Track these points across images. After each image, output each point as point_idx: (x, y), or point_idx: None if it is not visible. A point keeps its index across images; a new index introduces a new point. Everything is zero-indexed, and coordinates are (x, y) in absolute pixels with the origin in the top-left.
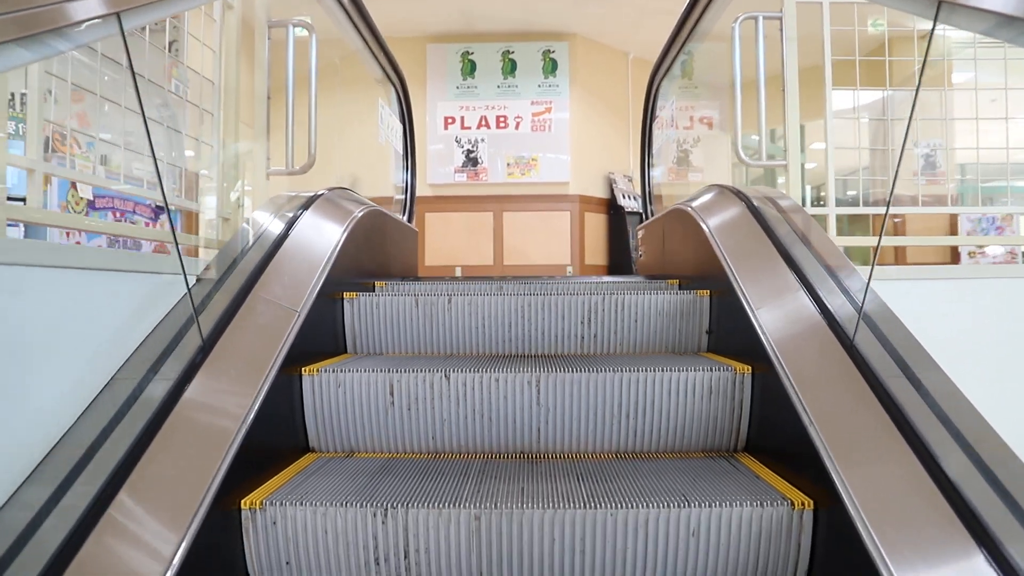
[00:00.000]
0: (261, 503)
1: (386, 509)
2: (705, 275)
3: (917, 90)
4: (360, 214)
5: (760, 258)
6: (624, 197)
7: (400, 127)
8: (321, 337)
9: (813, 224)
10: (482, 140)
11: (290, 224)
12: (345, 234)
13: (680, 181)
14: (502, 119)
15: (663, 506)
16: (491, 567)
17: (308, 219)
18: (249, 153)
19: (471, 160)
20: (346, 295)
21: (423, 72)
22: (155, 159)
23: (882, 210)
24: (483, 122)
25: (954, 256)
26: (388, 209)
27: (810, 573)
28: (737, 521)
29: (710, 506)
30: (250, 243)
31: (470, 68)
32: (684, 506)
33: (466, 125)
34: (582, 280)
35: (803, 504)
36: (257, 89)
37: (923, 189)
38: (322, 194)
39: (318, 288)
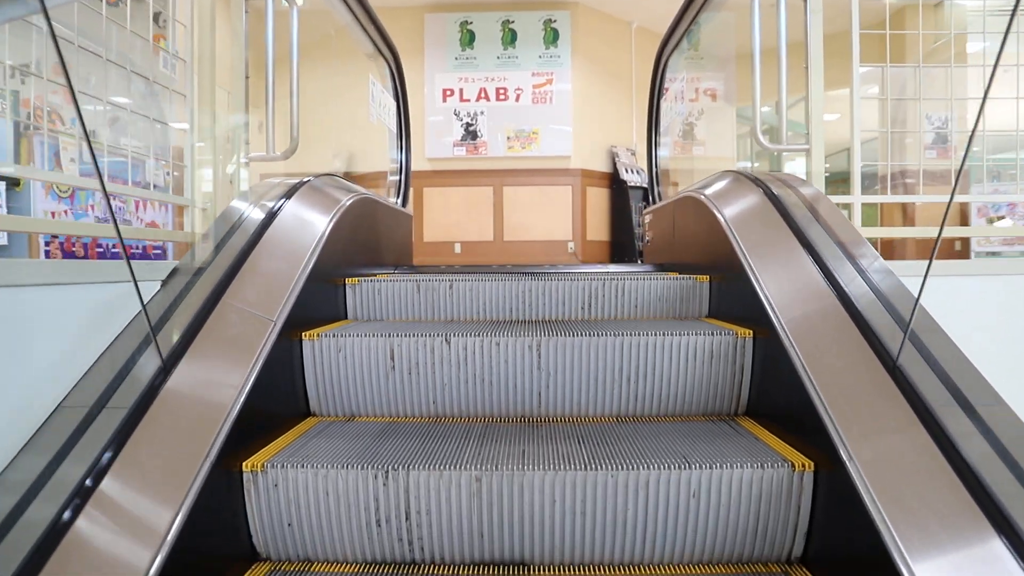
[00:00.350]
0: (262, 466)
1: (387, 471)
2: (721, 271)
3: (1002, 46)
4: (348, 203)
5: (780, 247)
6: (627, 171)
7: (394, 104)
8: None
9: (839, 215)
10: (481, 113)
11: (269, 217)
12: (329, 228)
13: (685, 155)
14: (502, 91)
15: (663, 467)
16: (492, 528)
17: (289, 212)
18: (230, 136)
19: (470, 133)
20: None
21: (421, 42)
22: (89, 142)
23: (902, 197)
24: (482, 94)
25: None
26: (380, 194)
27: (809, 534)
28: (737, 482)
29: (710, 467)
30: (224, 238)
31: (469, 38)
32: (685, 467)
33: (465, 97)
34: (585, 271)
35: (804, 466)
36: (234, 68)
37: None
38: (306, 182)
39: (298, 291)
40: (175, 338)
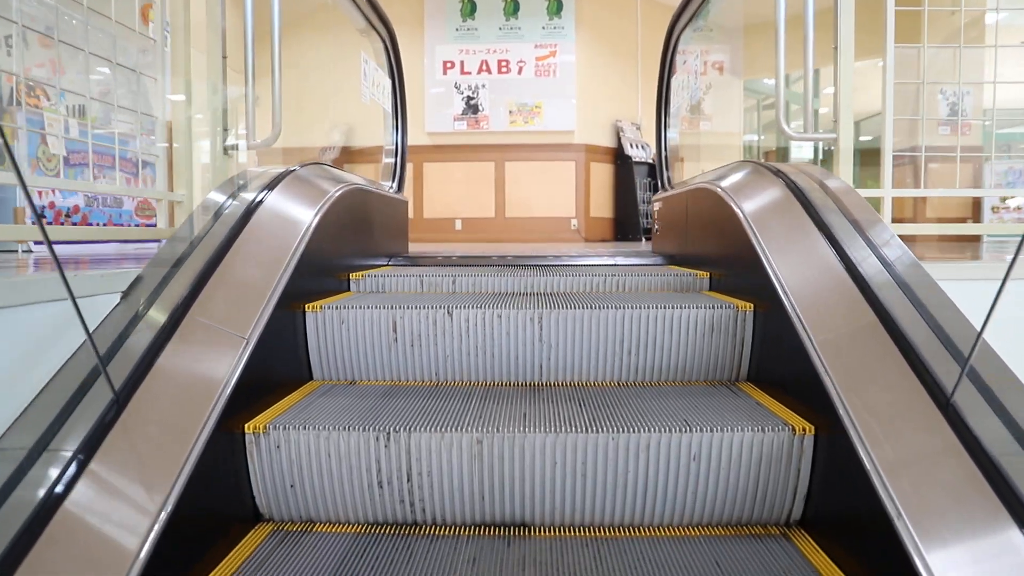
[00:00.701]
0: (264, 427)
1: (388, 433)
2: (741, 276)
3: None
4: (336, 195)
5: (809, 255)
6: (632, 146)
7: (389, 83)
8: (278, 365)
9: (872, 213)
10: (483, 86)
11: (247, 214)
12: (314, 224)
13: (692, 130)
14: (504, 63)
15: (664, 430)
16: (492, 490)
17: (269, 207)
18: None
19: (471, 107)
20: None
21: (421, 12)
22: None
23: (938, 191)
24: (484, 67)
25: (975, 212)
26: (373, 181)
27: (808, 497)
28: (738, 445)
29: (711, 431)
30: (196, 240)
31: (470, 9)
32: (685, 430)
33: (466, 70)
34: (592, 263)
35: (804, 429)
36: (210, 46)
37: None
38: (291, 171)
39: (275, 299)
40: (125, 376)
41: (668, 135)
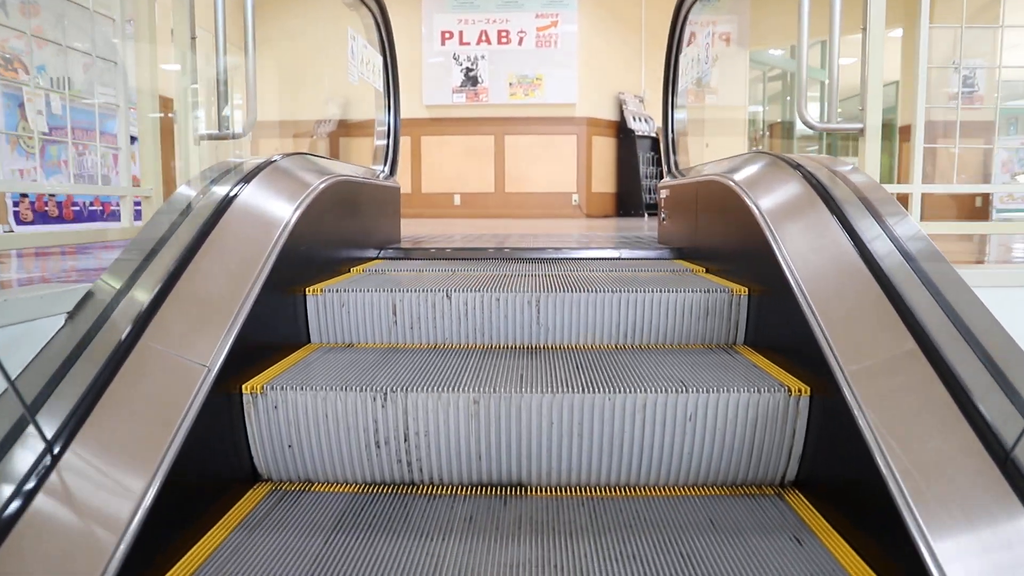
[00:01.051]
0: (262, 388)
1: (385, 393)
2: (755, 271)
3: None
4: (320, 187)
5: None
6: (635, 119)
7: (380, 60)
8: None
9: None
10: (482, 57)
11: (216, 213)
12: (292, 223)
13: (697, 103)
14: (504, 34)
15: (660, 391)
16: (489, 449)
17: (242, 205)
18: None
19: (470, 79)
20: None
21: None
22: None
23: (971, 187)
24: (483, 37)
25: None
26: (364, 167)
27: (803, 458)
28: (734, 406)
29: (707, 391)
30: (158, 245)
31: None
32: (682, 391)
33: (465, 40)
34: (594, 256)
35: (800, 391)
36: (176, 25)
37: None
38: (271, 162)
39: (243, 318)
40: (59, 423)
41: (676, 116)
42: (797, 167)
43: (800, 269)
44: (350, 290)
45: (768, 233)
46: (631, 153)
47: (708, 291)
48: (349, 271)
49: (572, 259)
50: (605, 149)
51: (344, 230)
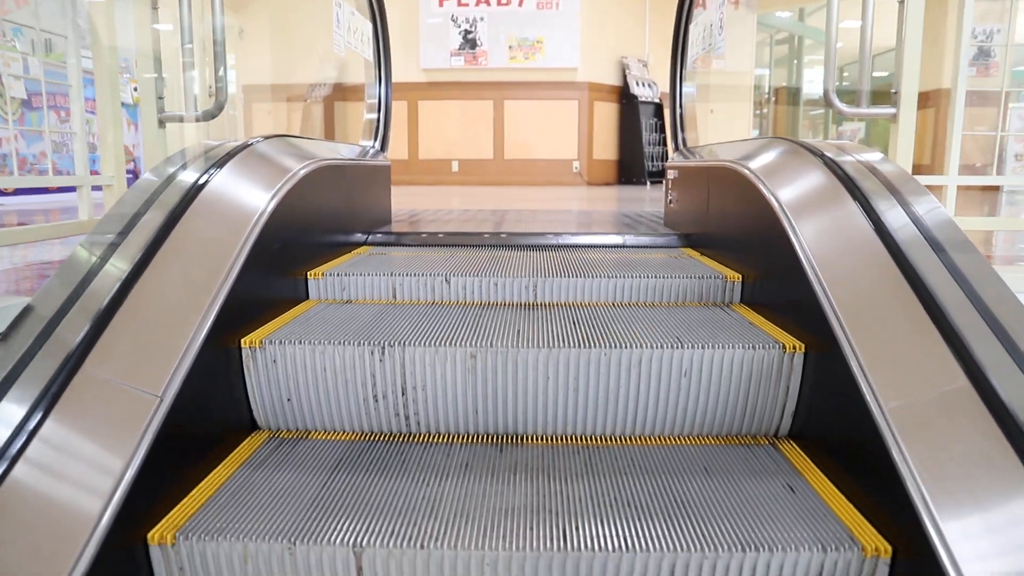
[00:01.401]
0: (260, 342)
1: (383, 348)
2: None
3: None
4: (301, 174)
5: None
6: (638, 84)
7: (369, 27)
8: (202, 425)
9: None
10: (481, 19)
11: (181, 205)
12: (266, 216)
13: (703, 69)
14: None
15: (656, 347)
16: (486, 403)
17: (211, 197)
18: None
19: (469, 42)
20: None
21: None
22: None
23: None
24: None
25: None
26: (352, 144)
27: (796, 415)
28: (729, 362)
29: (703, 347)
30: (111, 244)
31: None
32: (677, 347)
33: (463, 2)
34: (599, 243)
35: (794, 347)
36: None
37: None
38: (248, 146)
39: (204, 332)
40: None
41: (684, 90)
42: (820, 155)
43: (823, 271)
44: (353, 274)
45: (790, 231)
46: (634, 119)
47: (703, 277)
48: (328, 265)
49: (573, 245)
50: (607, 115)
51: (327, 218)
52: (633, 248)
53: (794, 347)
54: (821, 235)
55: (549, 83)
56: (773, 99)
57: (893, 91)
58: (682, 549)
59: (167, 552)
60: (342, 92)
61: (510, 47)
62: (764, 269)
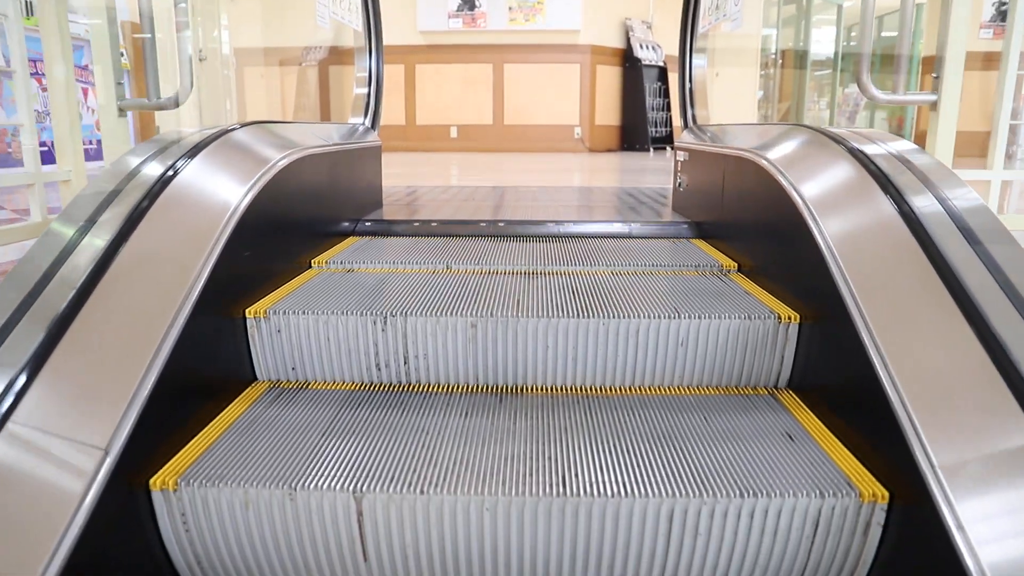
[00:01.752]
0: (265, 312)
1: (385, 317)
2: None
3: None
4: (280, 165)
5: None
6: (642, 47)
7: None
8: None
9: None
10: None
11: (143, 204)
12: (237, 216)
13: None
14: None
15: (653, 316)
16: (487, 371)
17: (177, 193)
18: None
19: (467, 3)
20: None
21: None
22: None
23: None
24: None
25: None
26: (337, 128)
27: (791, 382)
28: (725, 332)
29: (699, 318)
30: (62, 253)
31: None
32: (674, 317)
33: None
34: (603, 231)
35: (789, 317)
36: None
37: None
38: (224, 134)
39: (168, 349)
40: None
41: (695, 63)
42: (846, 146)
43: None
44: (353, 262)
45: (816, 231)
46: (637, 83)
47: (699, 267)
48: (310, 265)
49: (575, 235)
50: (610, 79)
51: (310, 211)
52: (640, 239)
53: (789, 317)
54: (849, 235)
55: (550, 45)
56: (780, 62)
57: (934, 76)
58: (680, 495)
59: (169, 497)
60: (339, 55)
61: (510, 8)
62: (783, 270)
